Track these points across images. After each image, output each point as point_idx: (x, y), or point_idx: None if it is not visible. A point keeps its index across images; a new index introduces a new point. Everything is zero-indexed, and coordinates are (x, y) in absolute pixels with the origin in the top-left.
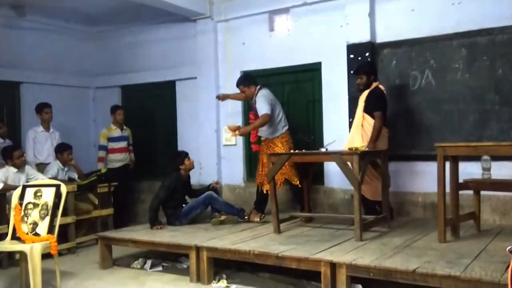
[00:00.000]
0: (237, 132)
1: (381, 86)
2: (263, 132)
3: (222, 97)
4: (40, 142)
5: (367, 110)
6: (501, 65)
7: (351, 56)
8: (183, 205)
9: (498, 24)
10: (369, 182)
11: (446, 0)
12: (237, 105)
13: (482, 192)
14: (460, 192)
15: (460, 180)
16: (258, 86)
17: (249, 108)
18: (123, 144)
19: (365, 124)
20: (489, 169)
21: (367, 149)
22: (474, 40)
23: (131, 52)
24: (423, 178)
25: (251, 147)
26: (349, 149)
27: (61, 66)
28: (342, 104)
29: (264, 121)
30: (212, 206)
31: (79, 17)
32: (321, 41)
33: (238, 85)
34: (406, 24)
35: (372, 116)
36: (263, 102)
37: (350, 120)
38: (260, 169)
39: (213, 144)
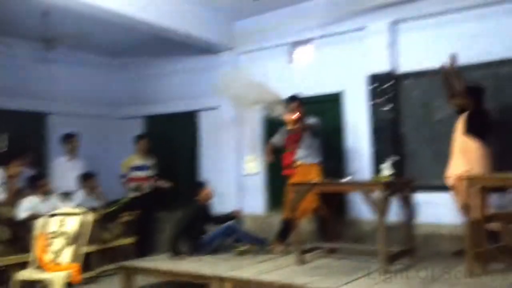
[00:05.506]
0: None
1: (485, 108)
2: (302, 156)
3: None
4: (65, 171)
5: (468, 133)
6: None
7: (373, 85)
8: (204, 235)
9: None
10: None
11: (468, 31)
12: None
13: None
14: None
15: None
16: None
17: (269, 135)
18: (146, 173)
19: (467, 147)
20: None
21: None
22: (498, 71)
23: (155, 83)
24: (449, 209)
25: (282, 173)
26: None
27: (87, 97)
28: (363, 134)
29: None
30: (233, 236)
31: (105, 50)
32: (342, 71)
33: (293, 100)
34: (428, 54)
35: (474, 139)
36: (317, 121)
37: (373, 150)
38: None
39: (234, 173)
